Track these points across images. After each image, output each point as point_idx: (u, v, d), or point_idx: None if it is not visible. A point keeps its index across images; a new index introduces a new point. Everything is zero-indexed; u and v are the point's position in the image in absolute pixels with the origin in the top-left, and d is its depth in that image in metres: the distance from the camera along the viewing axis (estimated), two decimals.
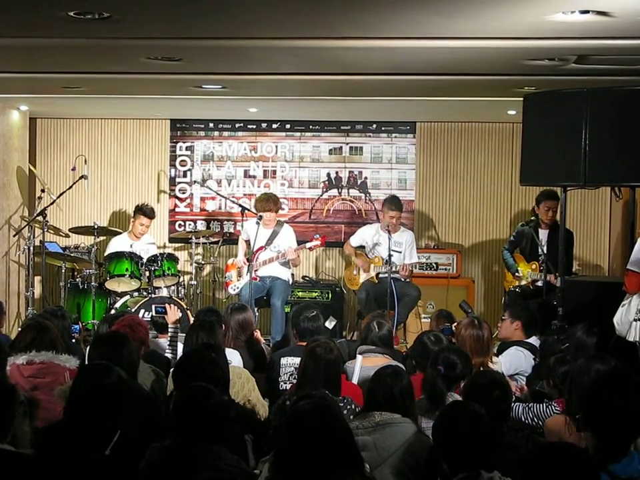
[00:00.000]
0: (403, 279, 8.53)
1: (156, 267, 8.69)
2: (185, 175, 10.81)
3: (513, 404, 4.53)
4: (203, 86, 7.90)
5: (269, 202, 8.72)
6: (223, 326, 5.96)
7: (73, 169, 9.62)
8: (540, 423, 4.65)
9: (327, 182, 10.68)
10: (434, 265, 8.52)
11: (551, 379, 4.87)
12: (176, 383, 4.43)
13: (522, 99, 6.69)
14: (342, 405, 4.49)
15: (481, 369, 5.28)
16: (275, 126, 10.69)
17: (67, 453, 3.68)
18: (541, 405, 4.75)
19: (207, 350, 4.49)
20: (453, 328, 6.08)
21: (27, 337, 5.05)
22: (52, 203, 9.34)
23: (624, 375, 3.69)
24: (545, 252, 7.88)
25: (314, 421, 3.23)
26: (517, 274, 8.33)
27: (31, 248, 9.26)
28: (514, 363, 5.96)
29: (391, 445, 3.92)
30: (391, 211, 8.71)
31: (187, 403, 3.61)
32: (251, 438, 4.30)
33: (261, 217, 8.57)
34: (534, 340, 6.24)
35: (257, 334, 6.66)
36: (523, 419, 4.73)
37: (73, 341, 7.37)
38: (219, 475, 3.41)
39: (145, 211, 9.33)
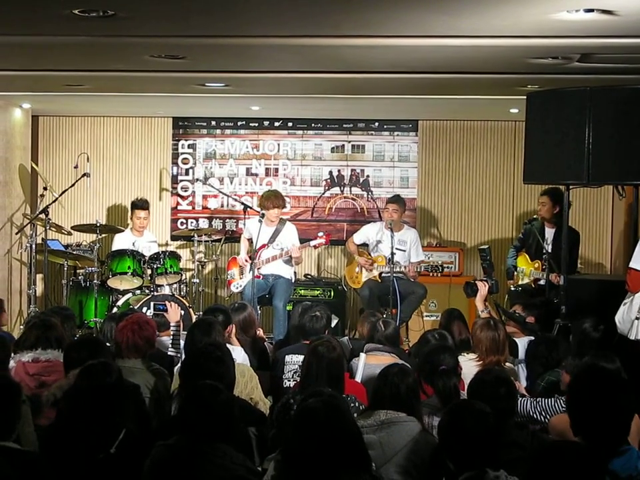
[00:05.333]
0: (412, 279, 8.52)
1: (158, 265, 8.68)
2: (187, 173, 10.82)
3: (520, 399, 4.53)
4: (206, 84, 7.90)
5: (278, 198, 8.72)
6: (233, 325, 5.97)
7: (75, 167, 9.63)
8: (548, 417, 4.64)
9: (329, 180, 10.68)
10: (439, 267, 8.49)
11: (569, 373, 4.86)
12: (182, 381, 4.43)
13: (525, 97, 6.69)
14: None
15: (496, 367, 5.25)
16: (277, 124, 10.69)
17: (73, 452, 3.68)
18: (549, 399, 4.75)
19: (213, 348, 4.48)
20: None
21: (33, 334, 5.05)
22: (54, 201, 9.33)
23: (599, 372, 3.67)
24: (550, 250, 7.88)
25: (322, 419, 3.24)
26: (510, 280, 8.38)
27: (33, 246, 9.25)
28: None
29: (396, 444, 3.92)
30: (387, 204, 8.74)
31: (194, 400, 3.60)
32: (254, 433, 4.30)
33: (263, 215, 8.55)
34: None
35: (260, 332, 6.66)
36: (531, 413, 4.72)
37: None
38: (225, 473, 3.42)
39: (137, 204, 9.43)
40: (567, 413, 3.59)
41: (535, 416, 4.68)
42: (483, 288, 6.53)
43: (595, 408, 3.35)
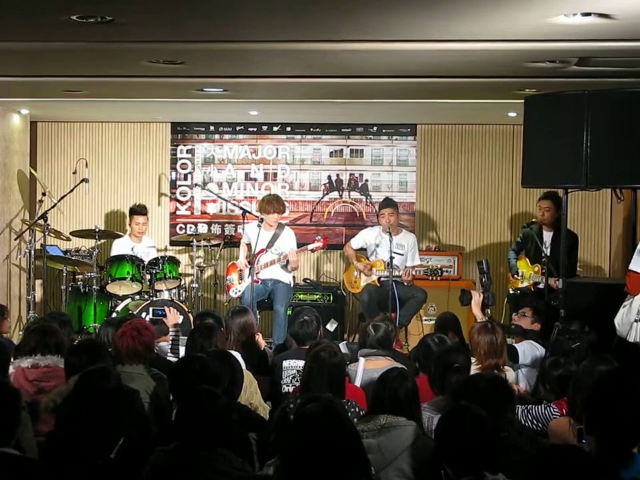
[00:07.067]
0: (406, 283, 8.52)
1: (157, 270, 8.68)
2: (185, 178, 10.82)
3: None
4: (204, 89, 7.91)
5: (279, 203, 8.72)
6: (224, 329, 5.97)
7: (74, 173, 9.62)
8: (539, 425, 4.64)
9: (327, 184, 10.69)
10: (438, 271, 8.50)
11: (547, 383, 4.89)
12: (173, 392, 4.45)
13: (523, 101, 6.69)
14: (346, 407, 4.48)
15: (495, 371, 5.26)
16: (275, 129, 10.70)
17: (72, 458, 3.67)
18: (539, 406, 4.75)
19: (199, 356, 4.48)
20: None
21: (32, 340, 5.04)
22: (53, 207, 9.34)
23: (624, 376, 3.68)
24: (549, 254, 7.88)
25: (321, 423, 3.23)
26: (515, 275, 8.36)
27: (32, 251, 9.26)
28: (527, 354, 6.06)
29: (396, 448, 3.92)
30: (382, 209, 8.73)
31: (191, 406, 3.61)
32: (254, 439, 4.30)
33: (262, 220, 8.56)
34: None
35: (259, 337, 6.66)
36: (523, 421, 4.71)
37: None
38: (224, 478, 3.41)
39: (135, 210, 9.44)
40: (584, 409, 3.57)
41: (527, 424, 4.67)
42: (476, 295, 6.55)
43: (616, 410, 3.34)
